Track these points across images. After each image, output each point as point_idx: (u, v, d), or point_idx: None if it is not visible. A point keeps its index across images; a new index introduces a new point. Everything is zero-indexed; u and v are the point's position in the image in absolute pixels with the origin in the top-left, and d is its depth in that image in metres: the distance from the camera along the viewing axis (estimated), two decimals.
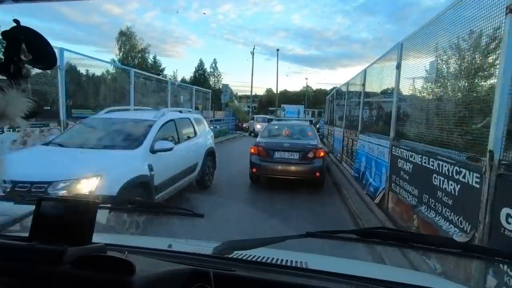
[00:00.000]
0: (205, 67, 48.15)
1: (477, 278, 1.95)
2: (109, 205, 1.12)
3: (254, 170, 6.35)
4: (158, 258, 0.83)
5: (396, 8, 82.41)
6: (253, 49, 37.91)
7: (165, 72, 41.12)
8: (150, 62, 40.25)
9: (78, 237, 0.69)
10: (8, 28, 0.70)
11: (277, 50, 37.17)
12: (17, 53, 0.68)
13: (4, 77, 0.69)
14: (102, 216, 0.91)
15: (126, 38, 37.61)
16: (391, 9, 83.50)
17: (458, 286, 1.23)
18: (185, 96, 11.74)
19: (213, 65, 49.36)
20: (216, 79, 47.44)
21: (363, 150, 6.23)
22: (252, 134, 20.14)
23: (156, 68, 39.39)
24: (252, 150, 6.43)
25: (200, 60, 52.66)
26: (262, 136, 7.16)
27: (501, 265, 1.90)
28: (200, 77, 46.96)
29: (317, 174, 6.11)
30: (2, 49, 0.70)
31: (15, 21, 0.69)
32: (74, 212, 0.71)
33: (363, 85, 6.61)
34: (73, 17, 52.33)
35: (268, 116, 23.00)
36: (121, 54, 37.47)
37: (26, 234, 0.72)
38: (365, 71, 6.58)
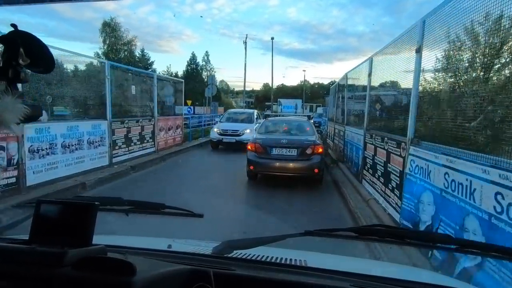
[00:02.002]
0: (197, 60, 44.61)
1: (475, 274, 1.86)
2: (108, 207, 1.06)
3: (251, 167, 6.07)
4: (158, 259, 0.81)
5: (393, 0, 78.65)
6: (246, 38, 34.06)
7: (154, 66, 37.63)
8: (138, 55, 36.69)
9: (78, 239, 0.67)
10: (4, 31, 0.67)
11: (272, 38, 33.36)
12: (15, 58, 0.64)
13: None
14: (101, 217, 0.76)
15: (110, 29, 33.97)
16: (388, 1, 79.58)
17: (456, 282, 1.19)
18: (142, 86, 8.41)
19: (205, 58, 45.59)
20: (208, 72, 43.76)
21: (424, 180, 3.01)
22: (221, 146, 11.04)
23: (144, 62, 35.90)
24: (249, 147, 6.16)
25: (192, 54, 49.02)
26: (259, 132, 6.87)
27: (499, 261, 1.80)
28: (193, 71, 43.52)
29: (316, 170, 5.84)
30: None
31: (13, 25, 0.66)
32: (74, 214, 0.70)
33: (418, 52, 3.36)
34: (66, 13, 48.89)
35: (264, 112, 20.14)
36: (105, 47, 33.86)
37: (26, 237, 0.70)
38: (422, 22, 3.31)
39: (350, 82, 7.50)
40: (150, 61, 37.57)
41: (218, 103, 21.27)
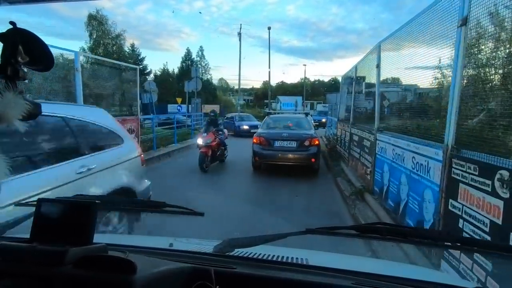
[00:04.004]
0: (192, 57, 41.41)
1: (476, 271, 1.84)
2: (109, 205, 1.05)
3: (256, 158, 6.54)
4: (159, 257, 0.77)
5: None
6: (240, 28, 30.87)
7: (148, 63, 34.58)
8: (127, 50, 33.54)
9: (79, 237, 0.65)
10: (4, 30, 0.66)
11: (269, 28, 29.41)
12: (14, 55, 0.62)
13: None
14: (102, 216, 0.78)
15: (97, 23, 30.80)
16: None
17: (458, 280, 1.17)
18: (58, 72, 5.29)
19: (200, 53, 42.26)
20: (203, 68, 40.49)
21: None
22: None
23: (134, 58, 32.75)
24: (255, 140, 6.64)
25: (187, 49, 45.89)
26: (262, 128, 7.31)
27: (500, 259, 1.56)
28: (188, 68, 40.36)
29: (313, 160, 6.36)
30: None
31: (12, 23, 0.64)
32: (75, 213, 0.67)
33: None
34: (63, 11, 46.10)
35: (265, 110, 18.25)
36: (91, 42, 30.73)
37: (27, 236, 0.67)
38: None
39: (387, 60, 4.35)
40: (141, 57, 34.46)
41: (201, 99, 18.11)
